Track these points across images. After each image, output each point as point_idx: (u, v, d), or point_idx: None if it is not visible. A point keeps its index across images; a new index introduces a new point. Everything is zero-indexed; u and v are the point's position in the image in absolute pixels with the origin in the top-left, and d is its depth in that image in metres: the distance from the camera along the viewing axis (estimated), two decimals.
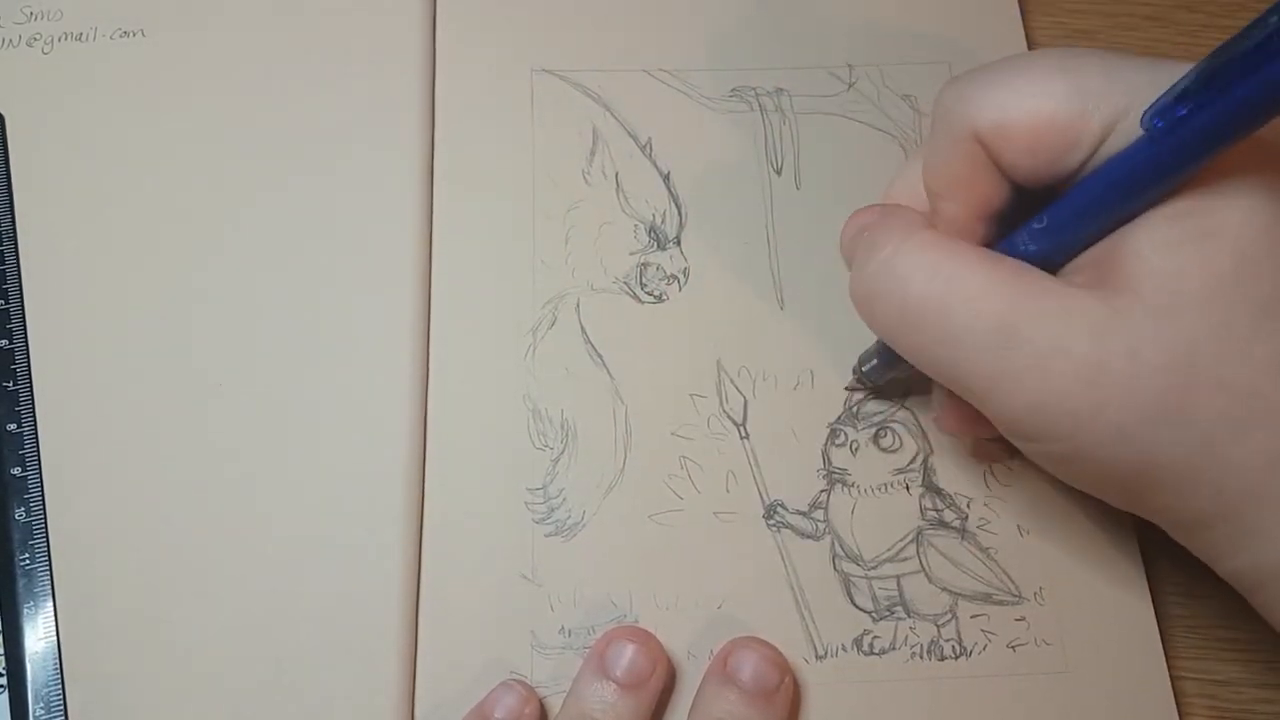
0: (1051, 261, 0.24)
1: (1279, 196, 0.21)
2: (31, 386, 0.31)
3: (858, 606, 0.29)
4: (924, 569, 0.30)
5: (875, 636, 0.29)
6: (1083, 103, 0.22)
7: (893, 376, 0.31)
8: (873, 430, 0.31)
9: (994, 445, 0.31)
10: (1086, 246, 0.23)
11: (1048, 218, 0.23)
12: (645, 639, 0.28)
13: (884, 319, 0.25)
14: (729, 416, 0.31)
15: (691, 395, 0.32)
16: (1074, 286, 0.23)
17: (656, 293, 0.33)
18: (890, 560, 0.30)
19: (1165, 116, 0.20)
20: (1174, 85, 0.20)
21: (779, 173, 0.34)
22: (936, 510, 0.30)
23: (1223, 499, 0.22)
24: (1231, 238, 0.21)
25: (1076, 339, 0.22)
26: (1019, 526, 0.30)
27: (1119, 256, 0.22)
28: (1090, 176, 0.23)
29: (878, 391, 0.32)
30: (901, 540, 0.30)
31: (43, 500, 0.30)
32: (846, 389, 0.32)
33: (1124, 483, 0.24)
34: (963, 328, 0.23)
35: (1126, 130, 0.22)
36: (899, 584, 0.30)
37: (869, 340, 0.32)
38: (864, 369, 0.31)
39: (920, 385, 0.31)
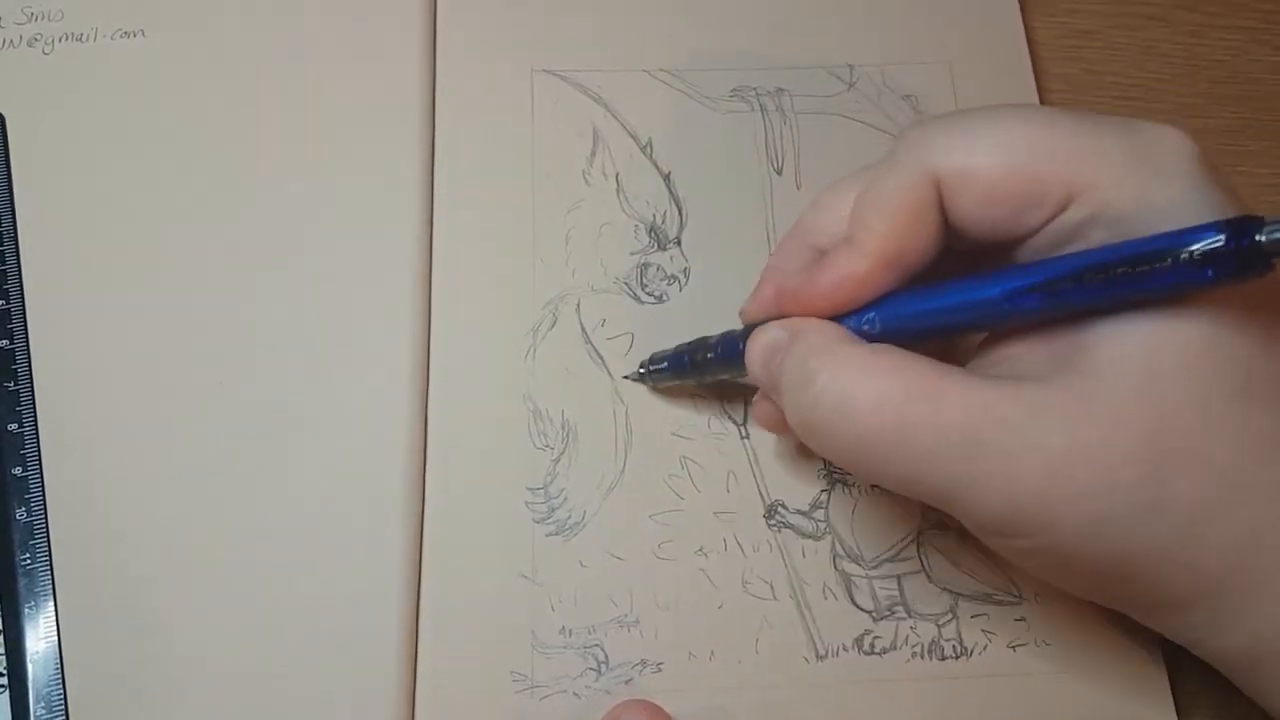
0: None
1: None
2: (32, 386, 0.31)
3: (858, 606, 0.29)
4: (924, 569, 0.30)
5: (876, 636, 0.29)
6: (1050, 164, 0.22)
7: (675, 384, 0.31)
8: None
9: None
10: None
11: (877, 316, 0.24)
12: (654, 712, 0.27)
13: (835, 449, 0.24)
14: (729, 416, 0.31)
15: (692, 395, 0.32)
16: (1031, 382, 0.22)
17: (657, 293, 0.33)
18: (891, 560, 0.30)
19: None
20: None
21: (779, 173, 0.34)
22: (937, 510, 0.30)
23: (1199, 581, 0.22)
24: (1204, 315, 0.21)
25: (1047, 435, 0.21)
26: None
27: (1078, 343, 0.22)
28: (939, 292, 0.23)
29: (654, 388, 0.31)
30: (902, 540, 0.30)
31: (43, 500, 0.30)
32: (625, 378, 0.31)
33: (1094, 573, 0.23)
34: (924, 448, 0.22)
35: (1091, 203, 0.22)
36: (900, 584, 0.30)
37: None
38: (651, 369, 0.31)
39: (689, 390, 0.31)
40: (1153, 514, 0.21)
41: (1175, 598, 0.22)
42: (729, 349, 0.28)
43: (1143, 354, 0.21)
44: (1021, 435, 0.21)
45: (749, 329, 0.27)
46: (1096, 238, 0.22)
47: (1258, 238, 0.18)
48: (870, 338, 0.24)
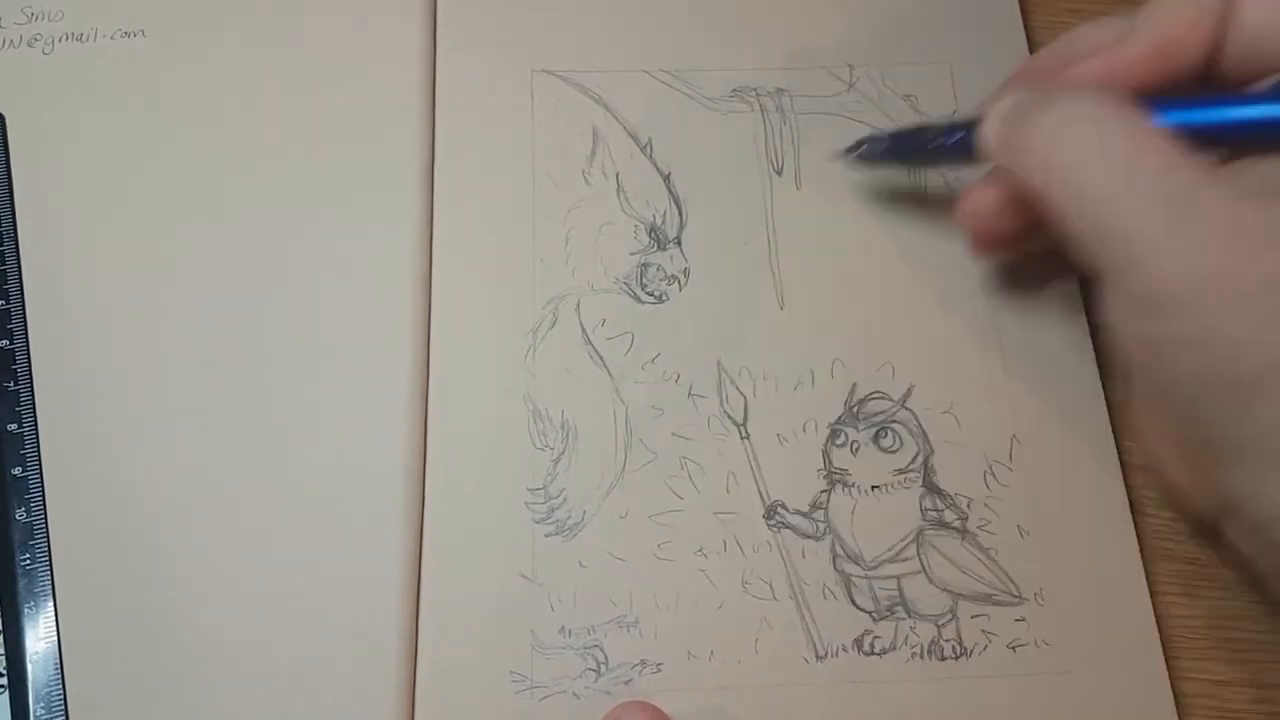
0: None
1: None
2: (32, 386, 0.31)
3: (858, 606, 0.29)
4: (924, 569, 0.30)
5: (876, 637, 0.29)
6: None
7: (886, 166, 0.32)
8: (873, 430, 0.31)
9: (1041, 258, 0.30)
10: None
11: (1174, 122, 0.24)
12: (654, 713, 0.27)
13: (1063, 158, 0.24)
14: (729, 416, 0.31)
15: (691, 395, 0.32)
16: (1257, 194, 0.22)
17: (657, 293, 0.33)
18: (891, 560, 0.30)
19: None
20: None
21: (779, 173, 0.34)
22: (937, 510, 0.30)
23: None
24: None
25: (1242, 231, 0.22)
26: (1019, 526, 0.30)
27: None
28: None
29: (862, 162, 0.32)
30: (902, 540, 0.30)
31: (43, 500, 0.30)
32: (837, 154, 0.33)
33: (1227, 381, 0.22)
34: (1128, 190, 0.23)
35: None
36: (899, 584, 0.30)
37: (868, 341, 0.32)
38: (866, 148, 0.32)
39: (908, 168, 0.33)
40: None
41: None
42: (966, 131, 0.28)
43: None
44: (1226, 221, 0.22)
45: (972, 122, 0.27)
46: None
47: None
48: None
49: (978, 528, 0.30)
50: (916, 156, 0.31)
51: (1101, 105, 0.24)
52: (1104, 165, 0.23)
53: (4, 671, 0.28)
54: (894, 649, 0.29)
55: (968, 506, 0.30)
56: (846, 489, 0.31)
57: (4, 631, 0.29)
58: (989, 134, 0.27)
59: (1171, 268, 0.22)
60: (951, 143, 0.29)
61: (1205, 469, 0.24)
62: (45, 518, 0.30)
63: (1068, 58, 0.27)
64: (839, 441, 0.31)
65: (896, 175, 0.34)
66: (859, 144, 0.32)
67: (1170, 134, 0.23)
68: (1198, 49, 0.25)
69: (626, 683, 0.29)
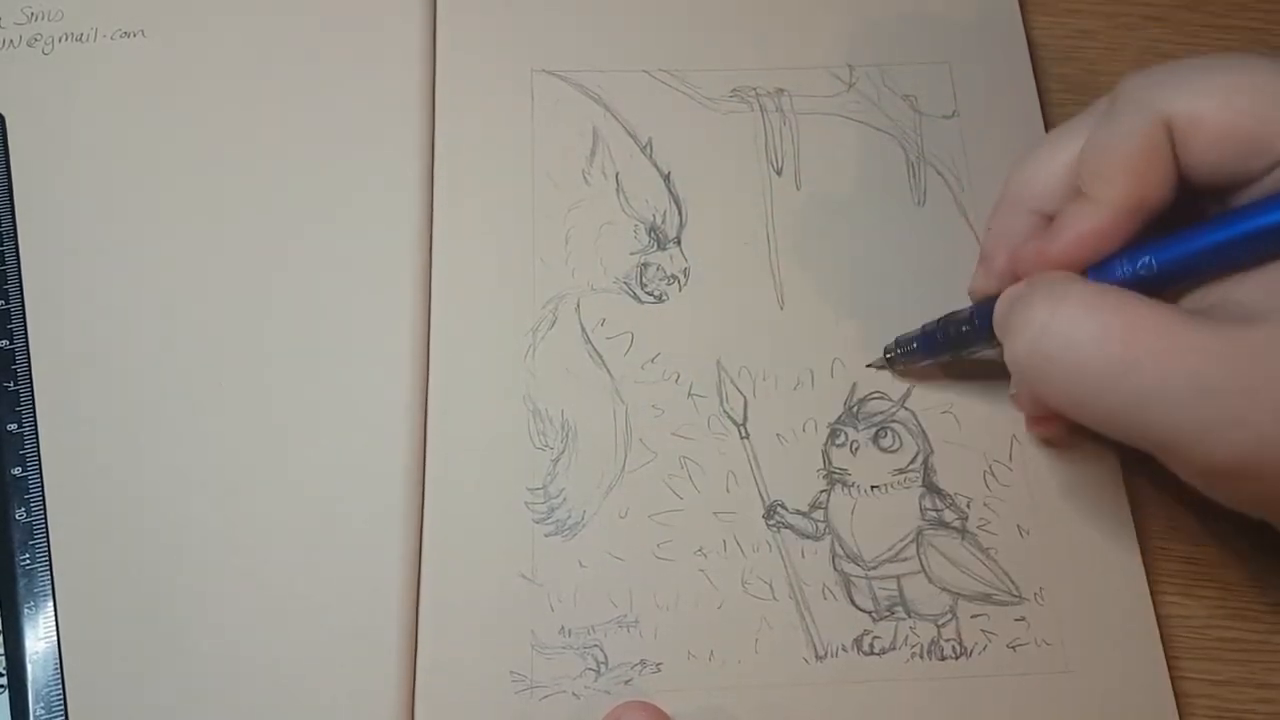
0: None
1: None
2: (31, 386, 0.31)
3: (858, 606, 0.29)
4: (924, 569, 0.30)
5: (875, 636, 0.29)
6: (1276, 111, 0.23)
7: (923, 364, 0.31)
8: (873, 430, 0.31)
9: (1068, 434, 0.30)
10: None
11: (1156, 261, 0.24)
12: (654, 713, 0.27)
13: (1057, 384, 0.24)
14: (729, 416, 0.31)
15: (691, 395, 0.32)
16: (1257, 322, 0.22)
17: (656, 293, 0.33)
18: (890, 560, 0.30)
19: None
20: None
21: (779, 173, 0.34)
22: (936, 510, 0.30)
23: None
24: None
25: (1274, 377, 0.21)
26: (1019, 526, 0.30)
27: None
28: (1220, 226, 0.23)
29: (900, 371, 0.32)
30: (901, 540, 0.30)
31: (43, 500, 0.30)
32: (869, 366, 0.32)
33: None
34: (1152, 388, 0.22)
35: None
36: (899, 584, 0.30)
37: (869, 341, 0.32)
38: (900, 352, 0.31)
39: (937, 373, 0.32)
40: None
41: None
42: (984, 318, 0.27)
43: None
44: (1252, 377, 0.21)
45: (993, 301, 0.27)
46: None
47: None
48: (1141, 285, 0.24)
49: (977, 527, 0.30)
50: (946, 347, 0.30)
51: (1050, 294, 0.24)
52: (1069, 354, 0.23)
53: (4, 672, 0.28)
54: (894, 649, 0.29)
55: (967, 506, 0.30)
56: (846, 489, 0.31)
57: (4, 631, 0.29)
58: (998, 322, 0.27)
59: (1223, 452, 0.22)
60: (980, 325, 0.28)
61: None
62: (45, 518, 0.30)
63: (1031, 220, 0.27)
64: (839, 441, 0.31)
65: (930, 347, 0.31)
66: (890, 351, 0.31)
67: (1147, 303, 0.23)
68: (1161, 198, 0.25)
69: (626, 683, 0.29)
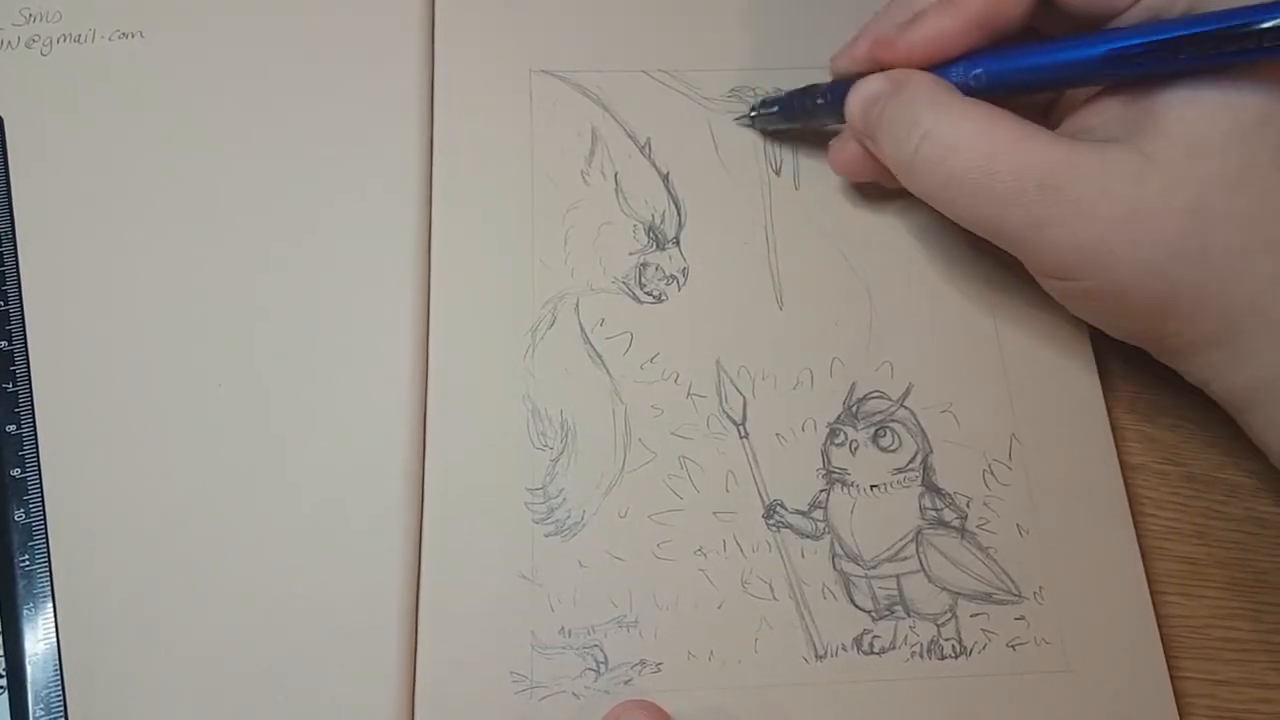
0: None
1: None
2: (31, 387, 0.31)
3: (857, 606, 0.29)
4: (924, 568, 0.30)
5: (875, 636, 0.29)
6: None
7: (780, 127, 0.34)
8: (872, 430, 0.31)
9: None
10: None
11: (986, 72, 0.27)
12: (654, 712, 0.27)
13: (928, 186, 0.28)
14: (729, 416, 0.31)
15: (691, 395, 0.32)
16: (1106, 141, 0.26)
17: (656, 293, 0.33)
18: (890, 560, 0.30)
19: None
20: None
21: (777, 173, 0.34)
22: (936, 510, 0.30)
23: (1227, 321, 0.25)
24: (1258, 92, 0.25)
25: (1116, 186, 0.25)
26: (1018, 526, 0.30)
27: (1151, 108, 0.25)
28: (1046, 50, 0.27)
29: (761, 130, 0.35)
30: (901, 540, 0.30)
31: (43, 501, 0.30)
32: (736, 120, 0.35)
33: (1143, 312, 0.27)
34: (1008, 189, 0.26)
35: None
36: (899, 583, 0.30)
37: (868, 341, 0.32)
38: (761, 111, 0.34)
39: (803, 133, 0.34)
40: (1197, 260, 0.25)
41: (1205, 337, 0.26)
42: (837, 94, 0.31)
43: (1203, 121, 0.25)
44: (1094, 185, 0.25)
45: (851, 80, 0.30)
46: (1179, 10, 0.26)
47: None
48: (971, 90, 0.28)
49: (977, 527, 0.30)
50: (801, 114, 0.33)
51: (929, 105, 0.27)
52: (941, 164, 0.27)
53: (3, 673, 0.28)
54: (894, 648, 0.29)
55: (967, 505, 0.30)
56: (846, 488, 0.31)
57: (3, 633, 0.29)
58: (851, 109, 0.30)
59: (1060, 243, 0.26)
60: (830, 100, 0.31)
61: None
62: (44, 519, 0.30)
63: (907, 16, 0.29)
64: (838, 441, 0.31)
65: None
66: (757, 106, 0.34)
67: (1016, 120, 0.27)
68: (1012, 17, 0.28)
69: (626, 682, 0.29)
